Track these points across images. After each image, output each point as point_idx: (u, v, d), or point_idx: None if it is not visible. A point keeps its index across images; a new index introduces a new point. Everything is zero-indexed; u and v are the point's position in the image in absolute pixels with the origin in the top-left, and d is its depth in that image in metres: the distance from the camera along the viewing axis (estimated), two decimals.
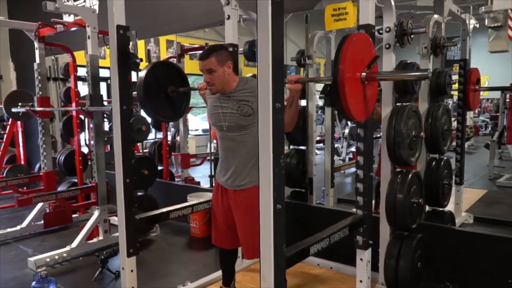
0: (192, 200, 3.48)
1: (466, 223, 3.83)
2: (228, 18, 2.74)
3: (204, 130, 11.34)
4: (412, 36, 2.42)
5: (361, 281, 2.32)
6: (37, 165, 5.29)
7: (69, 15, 4.64)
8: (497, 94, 9.73)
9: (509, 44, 5.04)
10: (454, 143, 3.69)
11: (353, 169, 6.08)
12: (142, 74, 2.42)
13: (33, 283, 2.56)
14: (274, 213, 1.55)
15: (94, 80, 3.57)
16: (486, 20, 4.39)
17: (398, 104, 2.41)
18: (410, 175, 2.39)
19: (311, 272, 2.95)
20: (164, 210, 2.57)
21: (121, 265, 2.28)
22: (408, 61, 2.57)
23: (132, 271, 2.27)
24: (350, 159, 7.62)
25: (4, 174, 5.20)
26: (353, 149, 7.66)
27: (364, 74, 1.84)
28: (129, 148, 2.21)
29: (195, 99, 12.05)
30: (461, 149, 3.76)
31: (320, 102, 6.45)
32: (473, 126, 8.89)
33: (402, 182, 2.36)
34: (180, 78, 2.60)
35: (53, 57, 6.57)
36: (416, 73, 2.06)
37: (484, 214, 4.13)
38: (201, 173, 6.34)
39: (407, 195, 2.33)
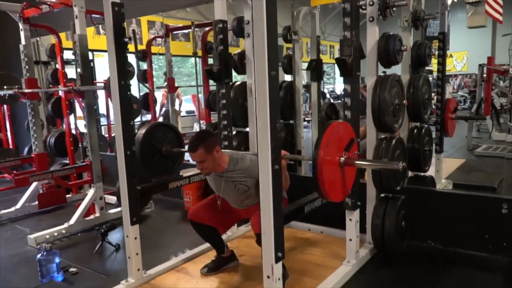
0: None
1: (446, 189, 4.05)
2: None
3: (188, 112, 11.35)
4: (394, 8, 2.55)
5: (350, 240, 2.49)
6: (26, 149, 5.30)
7: None
8: (475, 69, 9.97)
9: (487, 19, 5.22)
10: None
11: None
12: (140, 133, 2.64)
13: (38, 255, 2.64)
14: (273, 173, 1.69)
15: (84, 59, 3.60)
16: None
17: (381, 74, 2.56)
18: (394, 141, 2.56)
19: (302, 236, 3.12)
20: (163, 181, 2.69)
21: (125, 233, 2.39)
22: (391, 33, 2.71)
23: (136, 238, 2.39)
24: None
25: None
26: None
27: (342, 159, 1.94)
28: (129, 120, 2.30)
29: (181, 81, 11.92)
30: (441, 119, 3.96)
31: (305, 80, 6.54)
32: None
33: (387, 147, 2.53)
34: (176, 137, 2.88)
35: (34, 40, 6.50)
36: (391, 166, 2.21)
37: (463, 181, 4.37)
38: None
39: (391, 159, 2.50)
